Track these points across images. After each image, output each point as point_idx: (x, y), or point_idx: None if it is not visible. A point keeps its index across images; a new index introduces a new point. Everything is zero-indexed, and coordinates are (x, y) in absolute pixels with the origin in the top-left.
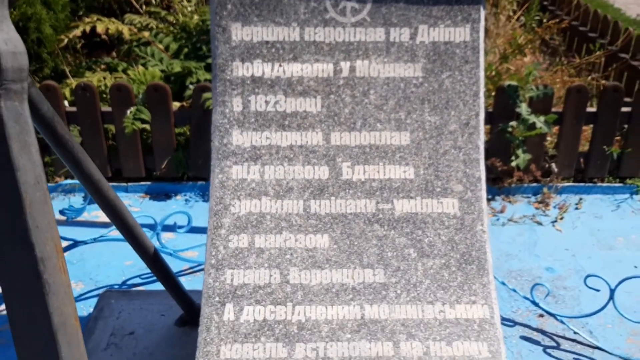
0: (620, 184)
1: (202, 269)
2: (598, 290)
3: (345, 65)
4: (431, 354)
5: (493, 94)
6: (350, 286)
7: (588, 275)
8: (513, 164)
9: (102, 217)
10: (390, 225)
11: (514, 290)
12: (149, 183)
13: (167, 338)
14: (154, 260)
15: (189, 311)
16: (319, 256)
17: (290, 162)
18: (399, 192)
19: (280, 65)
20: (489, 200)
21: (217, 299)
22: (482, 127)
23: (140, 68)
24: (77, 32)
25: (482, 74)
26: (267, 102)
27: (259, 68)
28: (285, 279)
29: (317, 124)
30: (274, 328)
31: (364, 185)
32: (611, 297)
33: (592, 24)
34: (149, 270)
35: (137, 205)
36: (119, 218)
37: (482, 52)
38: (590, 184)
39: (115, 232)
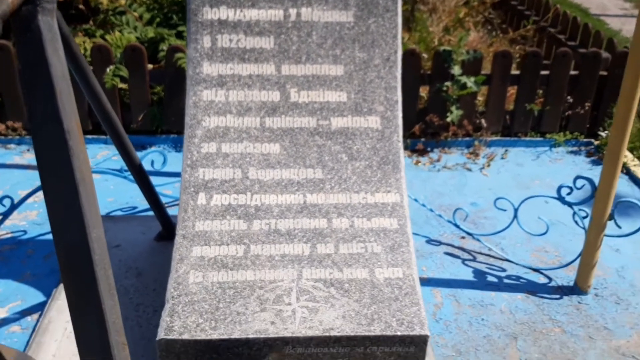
0: (541, 138)
1: (176, 204)
2: (505, 210)
3: (293, 12)
4: (355, 226)
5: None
6: (296, 181)
7: (498, 198)
8: (448, 119)
9: None
10: (328, 137)
11: (440, 216)
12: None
13: (148, 249)
14: (139, 172)
15: (167, 227)
16: (272, 159)
17: (249, 88)
18: (334, 111)
19: (241, 11)
20: (427, 151)
21: (192, 189)
22: (399, 62)
23: (117, 34)
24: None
25: (399, 20)
26: (230, 40)
27: (224, 12)
28: (246, 176)
29: (271, 58)
30: (236, 210)
31: (308, 106)
32: (515, 216)
33: (529, 4)
34: (128, 205)
35: (116, 156)
36: (113, 127)
37: (399, 3)
38: (515, 138)
39: (95, 175)
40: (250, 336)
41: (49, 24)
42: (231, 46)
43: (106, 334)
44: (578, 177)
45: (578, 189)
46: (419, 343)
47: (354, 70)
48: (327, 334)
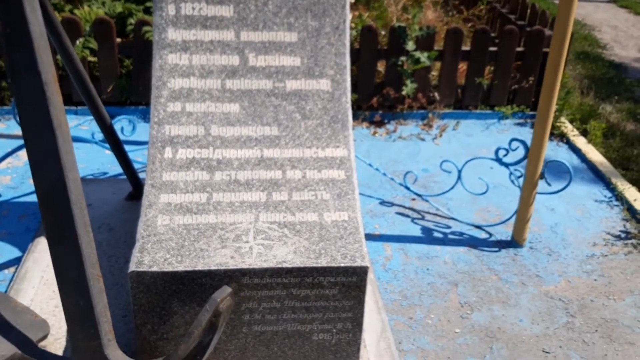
0: (490, 111)
1: (145, 170)
2: (450, 172)
3: None
4: (307, 177)
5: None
6: (254, 137)
7: (443, 161)
8: (404, 92)
9: None
10: (283, 98)
11: (392, 179)
12: None
13: (118, 208)
14: (110, 133)
15: (136, 188)
16: (232, 118)
17: (211, 53)
18: (289, 75)
19: None
20: (384, 123)
21: (159, 144)
22: (348, 30)
23: (86, 8)
24: None
25: None
26: (193, 8)
27: None
28: (208, 132)
29: (231, 25)
30: (200, 162)
31: (265, 70)
32: (459, 177)
33: None
34: (99, 171)
35: (86, 125)
36: (85, 88)
37: None
38: (466, 111)
39: None
40: (213, 268)
41: None
42: (194, 14)
43: (82, 266)
44: (513, 139)
45: (513, 150)
46: (360, 273)
47: (307, 37)
48: (280, 266)
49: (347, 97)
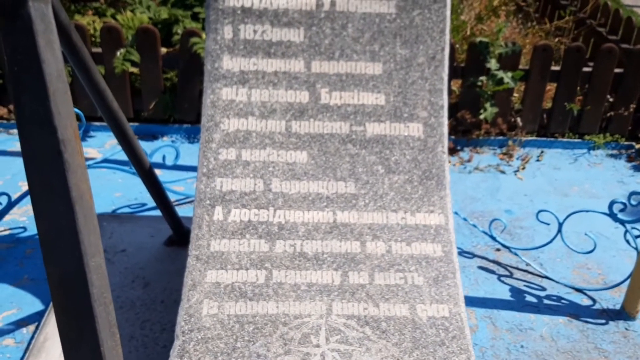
0: (579, 140)
1: (189, 202)
2: (548, 224)
3: (326, 0)
4: (393, 252)
5: (465, 48)
6: (325, 195)
7: (540, 210)
8: (481, 116)
9: (89, 153)
10: (362, 145)
11: (474, 226)
12: (136, 124)
13: (156, 255)
14: (148, 175)
15: (178, 232)
16: (298, 169)
17: (275, 87)
18: (370, 116)
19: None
20: (457, 150)
21: (207, 202)
22: (446, 61)
23: (129, 14)
24: None
25: (448, 13)
26: (255, 31)
27: None
28: (268, 188)
29: (300, 53)
30: (257, 227)
31: (340, 109)
32: (559, 230)
33: None
34: (137, 201)
35: None
36: (119, 128)
37: None
38: (552, 139)
39: (101, 169)
40: None
41: (42, 12)
42: (255, 38)
43: None
44: (633, 193)
45: (633, 205)
46: None
47: (394, 69)
48: None
49: (444, 146)
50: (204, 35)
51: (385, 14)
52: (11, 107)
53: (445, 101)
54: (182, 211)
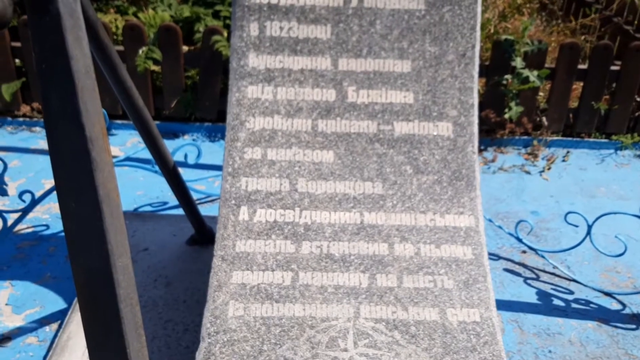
0: (606, 140)
1: (210, 201)
2: (577, 226)
3: None
4: (421, 254)
5: (489, 46)
6: (352, 196)
7: (569, 212)
8: (506, 116)
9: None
10: (390, 145)
11: (500, 227)
12: (157, 122)
13: (178, 254)
14: (172, 174)
15: (200, 231)
16: (324, 169)
17: (301, 85)
18: (398, 115)
19: None
20: (481, 150)
21: (233, 202)
22: (477, 59)
23: (150, 12)
24: None
25: (479, 9)
26: (281, 28)
27: None
28: (294, 188)
29: (327, 50)
30: (283, 228)
31: (367, 108)
32: (588, 233)
33: None
34: (159, 200)
35: None
36: (144, 126)
37: None
38: (578, 139)
39: (122, 167)
40: None
41: (71, 7)
42: (281, 35)
43: None
44: None
45: None
46: None
47: (423, 67)
48: None
49: (474, 146)
50: (225, 33)
51: (415, 10)
52: (34, 104)
53: (475, 100)
54: (204, 210)
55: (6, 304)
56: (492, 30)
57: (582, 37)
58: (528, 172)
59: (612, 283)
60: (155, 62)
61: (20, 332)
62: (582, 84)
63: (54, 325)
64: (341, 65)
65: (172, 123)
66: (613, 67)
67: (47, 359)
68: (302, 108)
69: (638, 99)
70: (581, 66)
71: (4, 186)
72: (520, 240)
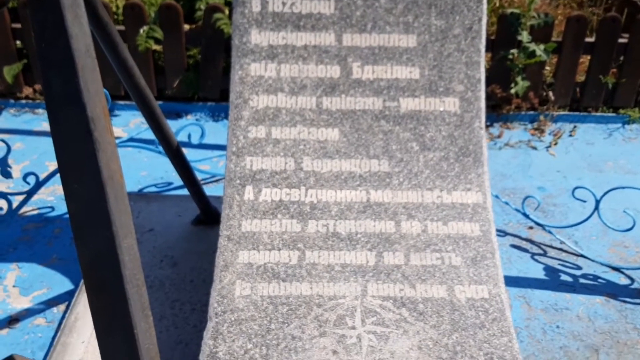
0: (614, 114)
1: (215, 181)
2: (585, 202)
3: None
4: (428, 231)
5: (494, 20)
6: (358, 174)
7: (576, 187)
8: (512, 91)
9: (114, 133)
10: (396, 121)
11: (507, 203)
12: (160, 102)
13: (184, 235)
14: (176, 154)
15: (205, 211)
16: (330, 147)
17: (305, 61)
18: (404, 91)
19: None
20: (487, 126)
21: (238, 181)
22: (484, 32)
23: None
24: None
25: None
26: (284, 3)
27: None
28: (299, 166)
29: (330, 26)
30: (289, 207)
31: (373, 84)
32: (596, 207)
33: None
34: (163, 180)
35: None
36: (147, 106)
37: None
38: (585, 113)
39: (126, 148)
40: None
41: None
42: (284, 11)
43: None
44: None
45: None
46: None
47: (429, 42)
48: None
49: (481, 122)
50: (227, 11)
51: None
52: (36, 86)
53: (482, 74)
54: (208, 190)
55: (13, 286)
56: (497, 4)
57: (589, 10)
58: (534, 148)
59: (620, 258)
60: (157, 41)
61: (28, 313)
62: (589, 57)
63: (62, 307)
64: (345, 40)
65: (175, 103)
66: (621, 40)
67: (55, 340)
68: (306, 85)
69: None
70: (588, 39)
71: (8, 168)
72: (527, 216)
